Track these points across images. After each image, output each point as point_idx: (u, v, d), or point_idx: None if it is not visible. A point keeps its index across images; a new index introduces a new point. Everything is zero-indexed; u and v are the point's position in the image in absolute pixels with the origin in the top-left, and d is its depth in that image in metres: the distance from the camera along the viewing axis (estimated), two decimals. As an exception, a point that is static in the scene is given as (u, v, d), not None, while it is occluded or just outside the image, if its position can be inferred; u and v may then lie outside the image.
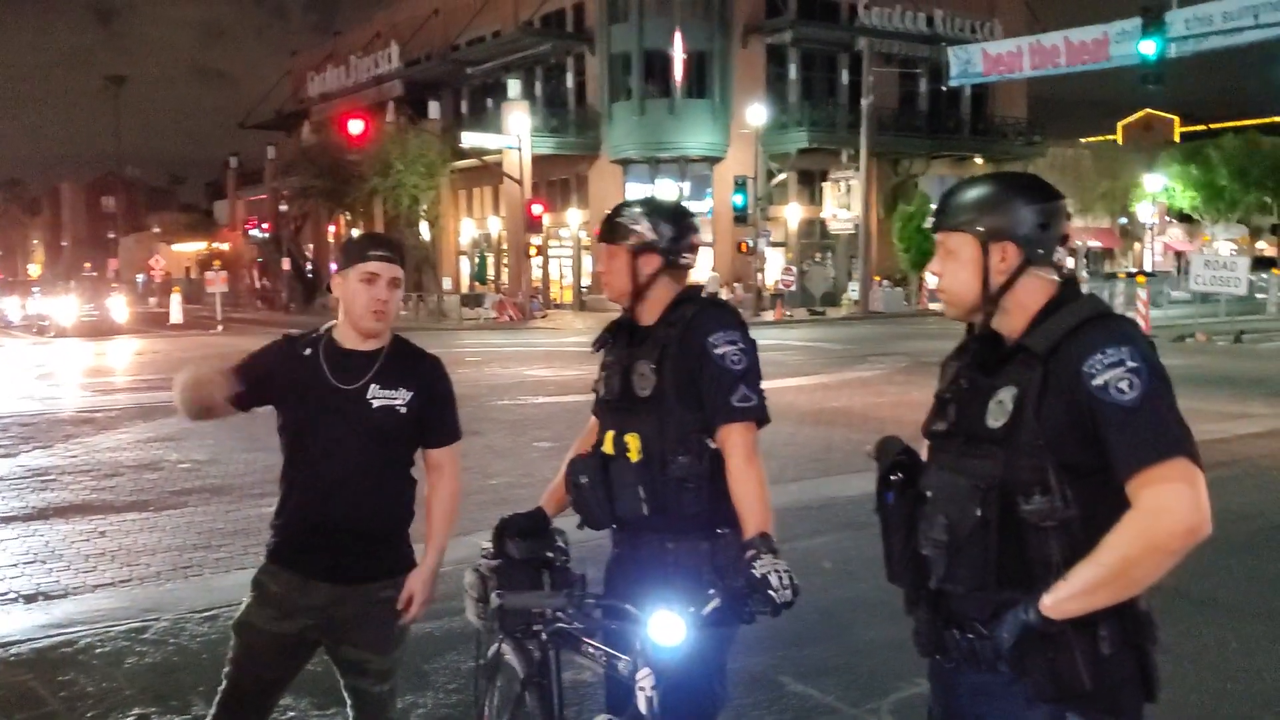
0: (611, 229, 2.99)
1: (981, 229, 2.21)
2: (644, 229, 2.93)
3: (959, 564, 2.12)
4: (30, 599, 6.41)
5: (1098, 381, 2.02)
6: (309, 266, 55.86)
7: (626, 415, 2.90)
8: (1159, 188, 57.43)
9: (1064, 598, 2.01)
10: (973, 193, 2.26)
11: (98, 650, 5.37)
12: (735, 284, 40.38)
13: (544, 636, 2.70)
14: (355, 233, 49.44)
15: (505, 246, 46.16)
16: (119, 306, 39.27)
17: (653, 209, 3.00)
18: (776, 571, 2.50)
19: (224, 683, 3.19)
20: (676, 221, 2.98)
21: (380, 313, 3.13)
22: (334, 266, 3.48)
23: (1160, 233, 60.65)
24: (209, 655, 5.08)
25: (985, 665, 2.15)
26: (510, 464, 10.35)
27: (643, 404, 2.86)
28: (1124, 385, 2.00)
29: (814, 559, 6.84)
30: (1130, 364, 2.02)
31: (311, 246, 58.20)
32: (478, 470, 9.92)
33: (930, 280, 2.37)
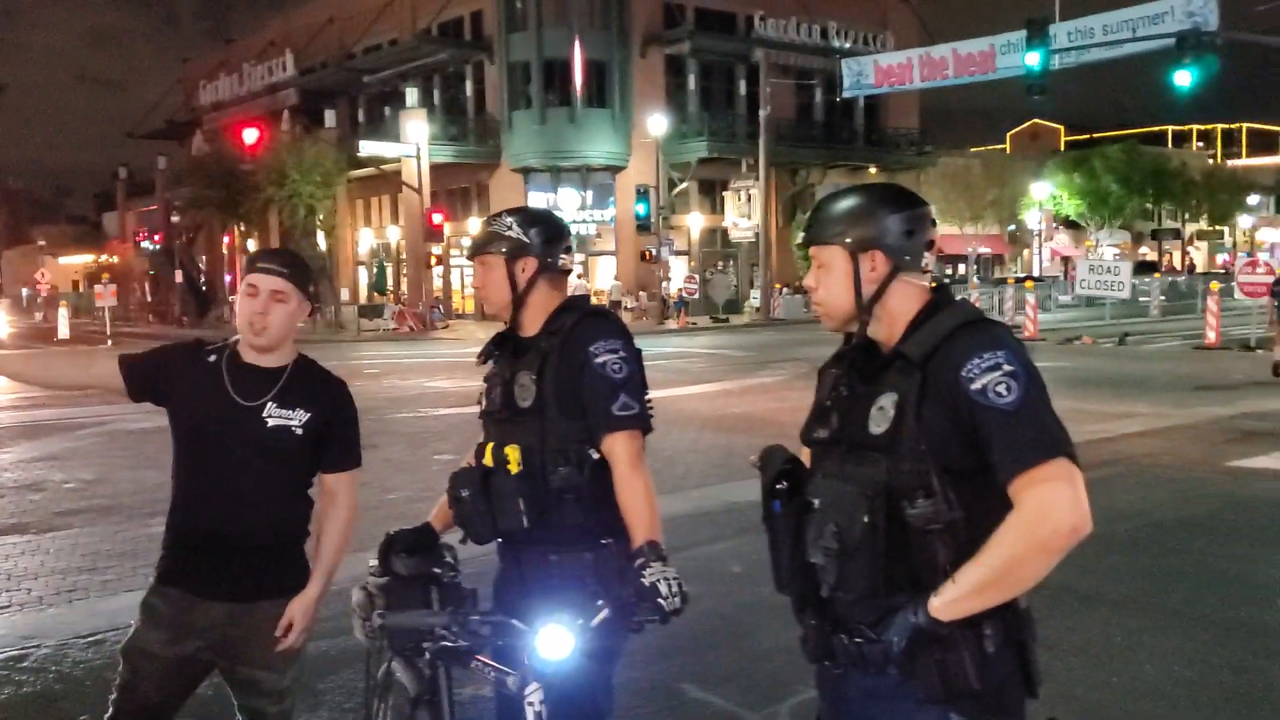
0: (483, 239, 2.99)
1: (850, 240, 2.26)
2: (516, 233, 2.93)
3: (849, 571, 2.14)
4: (-100, 629, 6.12)
5: (976, 385, 2.06)
6: (202, 279, 54.55)
7: (508, 427, 2.88)
8: (1046, 195, 59.35)
9: (952, 599, 2.04)
10: (839, 206, 2.31)
11: (-27, 681, 5.15)
12: (640, 292, 40.54)
13: (428, 655, 2.66)
14: (250, 244, 48.56)
15: (404, 256, 45.66)
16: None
17: (521, 215, 3.01)
18: (665, 579, 2.50)
19: (110, 710, 3.10)
20: (548, 224, 2.99)
21: (256, 327, 3.07)
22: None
23: (1048, 239, 62.58)
24: (94, 682, 4.90)
25: (874, 669, 2.17)
26: (409, 478, 10.21)
27: (524, 415, 2.84)
28: (1002, 389, 2.04)
29: (717, 565, 6.88)
30: (1007, 367, 2.06)
31: (205, 258, 56.86)
32: (376, 485, 9.76)
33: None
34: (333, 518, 3.23)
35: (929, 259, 2.27)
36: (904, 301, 2.25)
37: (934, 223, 2.31)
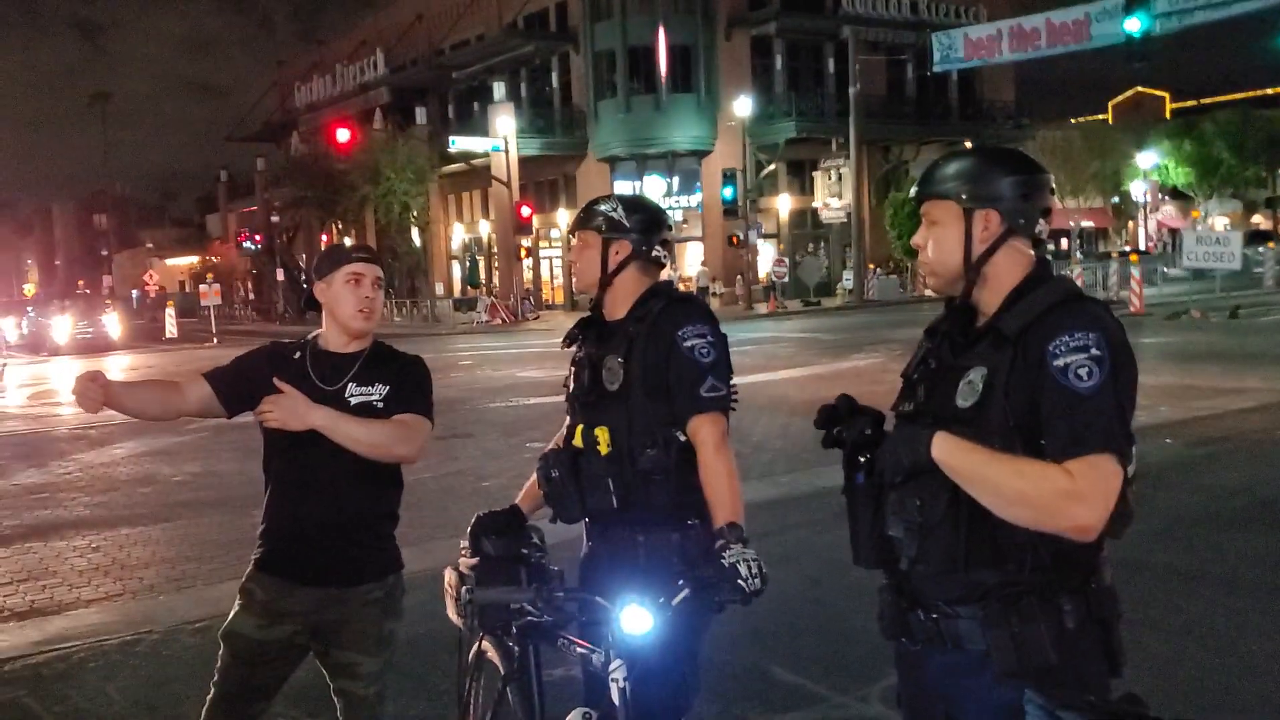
0: (584, 215, 3.06)
1: (965, 196, 2.24)
2: (618, 216, 2.99)
3: (930, 545, 2.13)
4: (24, 616, 6.42)
5: (1059, 363, 2.03)
6: (303, 276, 55.83)
7: (596, 409, 2.93)
8: (1151, 165, 57.47)
9: (955, 454, 2.05)
10: (957, 163, 2.30)
11: (91, 665, 5.38)
12: (737, 277, 40.05)
13: (514, 631, 2.71)
14: (348, 242, 49.54)
15: (495, 249, 46.17)
16: (113, 323, 39.23)
17: (626, 200, 3.07)
18: (745, 561, 2.51)
19: (211, 691, 3.22)
20: (648, 214, 3.04)
21: (366, 312, 3.20)
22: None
23: (1154, 210, 60.76)
24: (202, 666, 5.04)
25: (951, 644, 2.16)
26: (503, 465, 10.36)
27: (611, 398, 2.88)
28: (1084, 372, 2.01)
29: (805, 549, 6.86)
30: (1095, 351, 2.02)
31: (304, 256, 58.19)
32: (471, 473, 9.94)
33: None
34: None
35: (1043, 226, 2.25)
36: (1009, 268, 2.22)
37: (1053, 191, 2.28)
